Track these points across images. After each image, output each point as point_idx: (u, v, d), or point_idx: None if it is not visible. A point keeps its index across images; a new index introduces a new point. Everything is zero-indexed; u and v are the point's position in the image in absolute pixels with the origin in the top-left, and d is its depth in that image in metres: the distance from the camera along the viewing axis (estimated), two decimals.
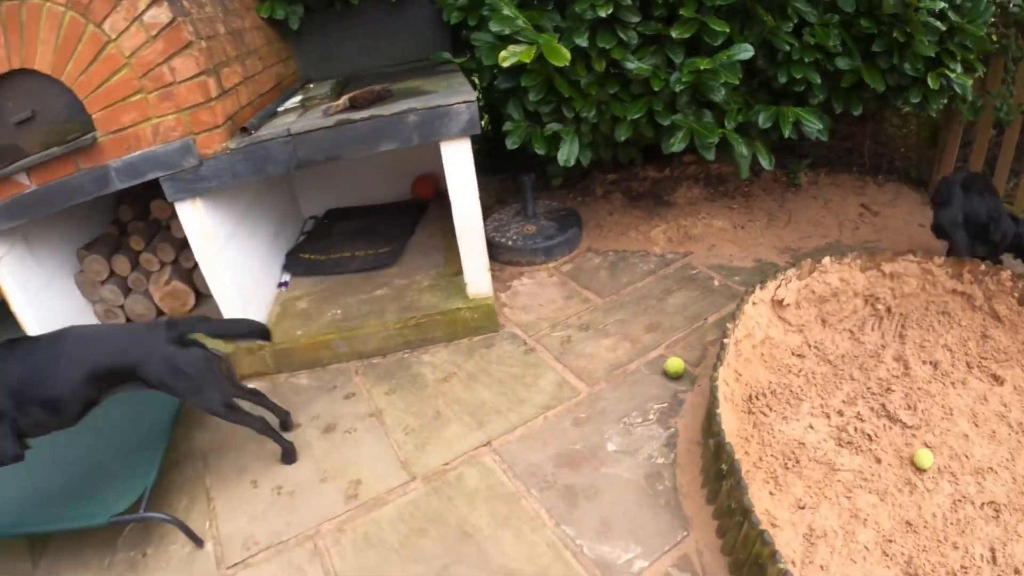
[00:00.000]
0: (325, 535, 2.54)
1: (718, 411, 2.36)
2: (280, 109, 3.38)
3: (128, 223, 4.12)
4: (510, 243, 3.81)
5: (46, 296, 3.76)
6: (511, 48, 3.03)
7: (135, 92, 2.83)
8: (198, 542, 2.65)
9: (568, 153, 3.42)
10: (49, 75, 2.86)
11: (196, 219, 3.07)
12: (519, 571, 2.23)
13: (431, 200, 4.38)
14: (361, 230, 4.01)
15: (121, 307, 3.99)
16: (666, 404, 2.78)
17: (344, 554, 2.44)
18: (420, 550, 2.38)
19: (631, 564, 2.18)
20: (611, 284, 3.62)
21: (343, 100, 3.03)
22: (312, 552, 2.48)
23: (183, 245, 3.83)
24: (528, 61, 2.99)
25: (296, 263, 3.86)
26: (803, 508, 2.22)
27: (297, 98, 3.55)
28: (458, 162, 2.95)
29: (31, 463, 2.89)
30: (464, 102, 2.83)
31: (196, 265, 3.82)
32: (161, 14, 2.68)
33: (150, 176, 3.00)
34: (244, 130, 3.00)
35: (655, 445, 2.60)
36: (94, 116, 2.91)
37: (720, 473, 2.23)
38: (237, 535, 2.65)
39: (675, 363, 2.90)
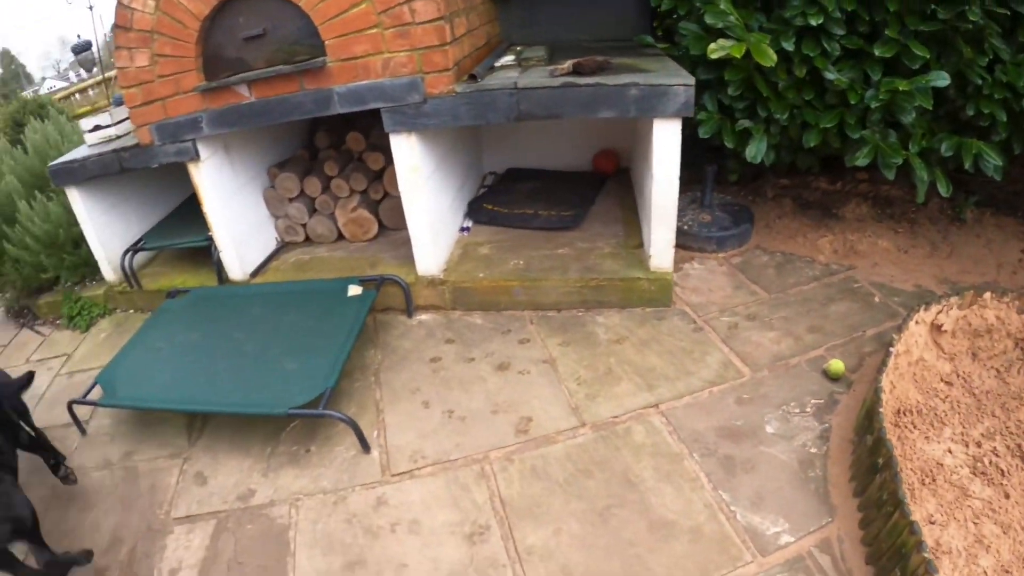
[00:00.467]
0: (493, 461, 2.73)
1: (880, 409, 2.43)
2: (497, 64, 3.53)
3: (321, 150, 4.39)
4: (685, 228, 3.90)
5: (235, 203, 4.13)
6: (721, 42, 3.14)
7: (372, 26, 3.08)
8: (366, 447, 2.89)
9: (756, 150, 3.47)
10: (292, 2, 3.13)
11: (407, 152, 3.34)
12: (676, 523, 2.37)
13: (610, 174, 4.48)
14: (541, 191, 4.18)
15: (303, 225, 4.28)
16: (823, 401, 2.83)
17: (510, 480, 2.62)
18: (584, 488, 2.54)
19: (778, 537, 2.29)
20: (777, 282, 3.66)
21: (568, 64, 3.16)
22: (479, 474, 2.68)
23: (374, 177, 4.09)
24: (738, 56, 3.07)
25: (479, 211, 4.07)
26: (933, 523, 2.27)
27: (509, 57, 3.70)
28: (667, 140, 3.05)
29: (213, 352, 3.47)
30: (683, 84, 2.92)
31: (384, 198, 4.09)
32: None
33: (372, 105, 3.27)
34: (472, 77, 3.17)
35: (810, 436, 2.66)
36: (327, 42, 3.19)
37: (874, 467, 2.31)
38: (405, 447, 2.89)
39: (836, 364, 2.95)
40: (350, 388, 3.26)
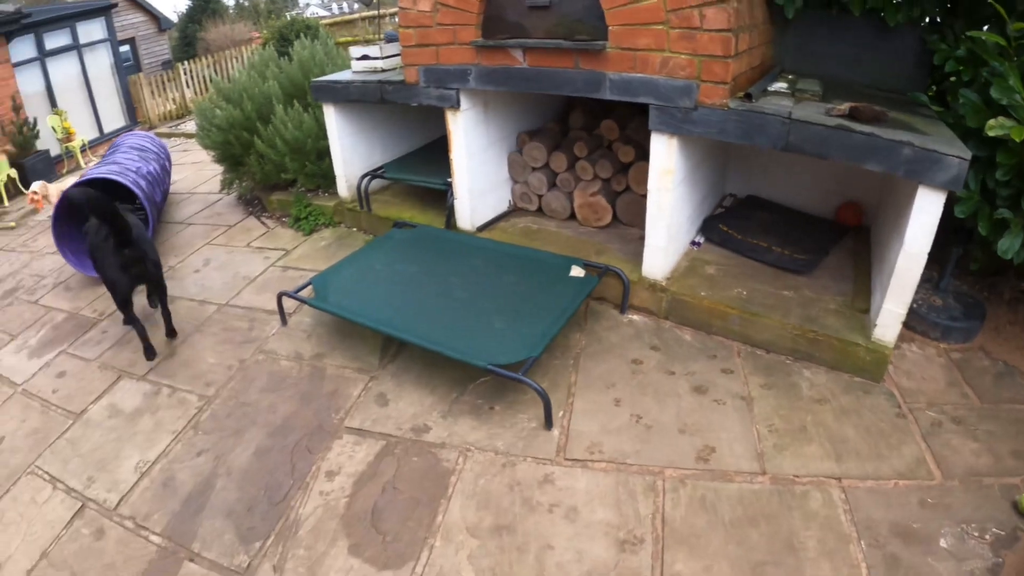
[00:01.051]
0: (667, 478, 2.74)
1: None
2: (770, 89, 3.41)
3: (572, 129, 4.46)
4: (913, 306, 3.60)
5: (480, 158, 4.35)
6: (1001, 120, 2.88)
7: (658, 22, 3.11)
8: (549, 424, 2.99)
9: (1009, 245, 3.14)
10: None
11: (665, 154, 3.35)
12: None
13: (852, 227, 4.23)
14: (778, 226, 4.06)
15: (540, 196, 4.41)
16: (1004, 533, 2.57)
17: (677, 503, 2.62)
18: (746, 536, 2.49)
19: None
20: (992, 392, 3.32)
21: (845, 106, 3.03)
22: (649, 487, 2.70)
23: (620, 169, 4.14)
24: (1016, 140, 2.81)
25: (713, 230, 4.03)
26: None
27: (782, 84, 3.57)
28: (927, 210, 2.84)
29: (426, 288, 3.74)
30: (958, 156, 2.70)
31: (624, 191, 4.12)
32: None
33: (640, 99, 3.32)
34: (747, 96, 3.09)
35: (979, 565, 2.42)
36: (610, 28, 3.27)
37: None
38: (585, 436, 2.95)
39: None
40: (548, 364, 3.39)
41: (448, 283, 3.77)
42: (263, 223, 5.79)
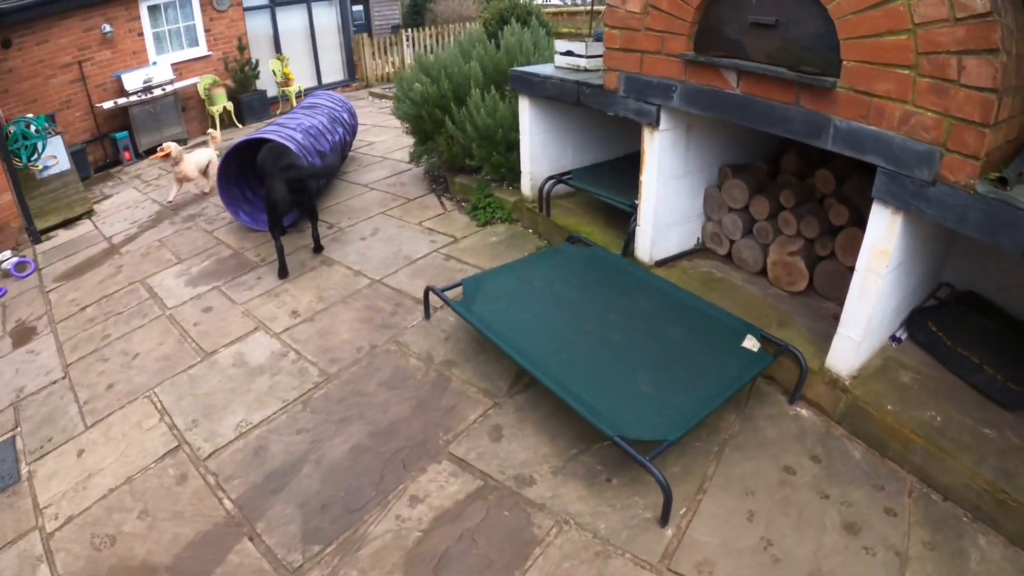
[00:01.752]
0: None
1: None
2: None
3: (783, 172, 4.03)
4: None
5: (672, 187, 3.99)
6: None
7: (905, 65, 2.53)
8: (664, 521, 2.59)
9: None
10: None
11: (885, 231, 2.79)
12: None
13: None
14: (996, 339, 3.26)
15: (731, 241, 4.05)
16: None
17: None
18: None
19: None
20: None
21: None
22: None
23: (827, 231, 3.64)
24: None
25: (919, 328, 3.36)
26: None
27: None
28: None
29: (578, 321, 3.49)
30: None
31: (828, 256, 3.65)
32: (978, 0, 2.27)
33: (868, 158, 2.75)
34: (1000, 180, 2.50)
35: None
36: (844, 63, 2.72)
37: None
38: (700, 548, 2.53)
39: None
40: (688, 443, 2.96)
41: (605, 321, 3.48)
42: (442, 203, 5.84)
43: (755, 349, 3.19)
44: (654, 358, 3.15)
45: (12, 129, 7.69)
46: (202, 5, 10.65)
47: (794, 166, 4.02)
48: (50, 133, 8.12)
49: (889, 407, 2.92)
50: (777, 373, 3.32)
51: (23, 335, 4.89)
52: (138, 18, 10.03)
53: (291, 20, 12.38)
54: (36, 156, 7.84)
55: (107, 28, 9.68)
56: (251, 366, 3.83)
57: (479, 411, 3.24)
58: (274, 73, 11.53)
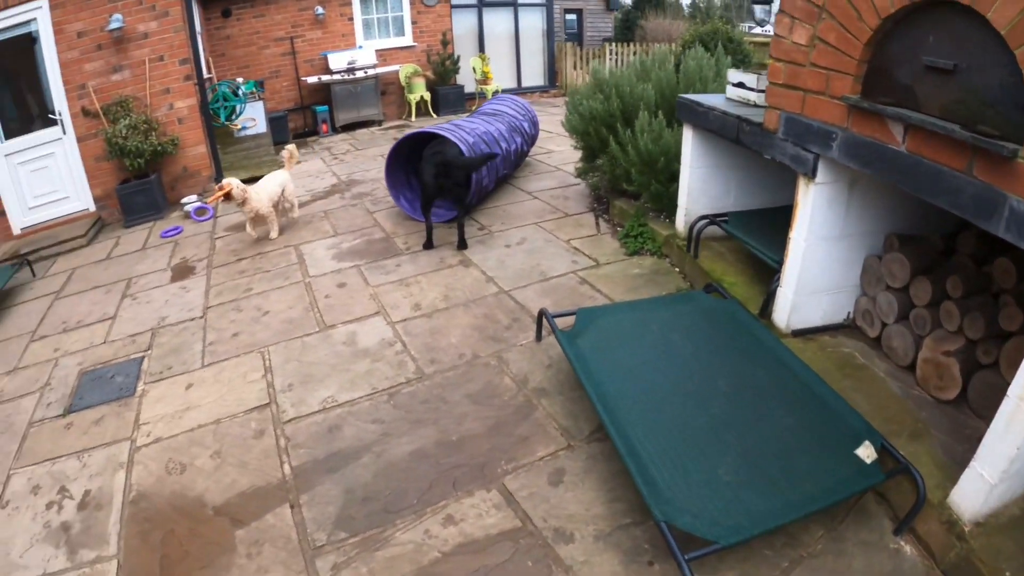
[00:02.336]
0: None
1: None
2: None
3: (957, 253, 3.52)
4: None
5: (824, 250, 3.60)
6: None
7: None
8: None
9: None
10: (1001, 35, 2.18)
11: None
12: None
13: None
14: None
15: (883, 324, 3.57)
16: None
17: None
18: None
19: None
20: None
21: None
22: None
23: (995, 335, 3.08)
24: None
25: None
26: None
27: None
28: None
29: (683, 383, 3.22)
30: None
31: (990, 366, 3.05)
32: None
33: None
34: None
35: None
36: None
37: None
38: None
39: None
40: (755, 548, 2.59)
41: (712, 386, 3.21)
42: (597, 224, 5.79)
43: (868, 460, 2.68)
44: (748, 442, 2.83)
45: (217, 89, 8.57)
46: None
47: (972, 247, 3.51)
48: (256, 98, 8.98)
49: (1008, 574, 2.37)
50: (892, 493, 2.81)
51: (182, 272, 5.60)
52: (350, 4, 11.02)
53: (497, 21, 12.97)
54: (235, 116, 8.66)
55: (320, 10, 10.65)
56: (358, 347, 4.02)
57: (550, 449, 3.12)
58: (474, 70, 12.09)
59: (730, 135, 4.04)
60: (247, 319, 4.56)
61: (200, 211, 7.01)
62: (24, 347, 4.66)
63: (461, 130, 5.89)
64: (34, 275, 6.19)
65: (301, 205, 6.94)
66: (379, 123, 11.27)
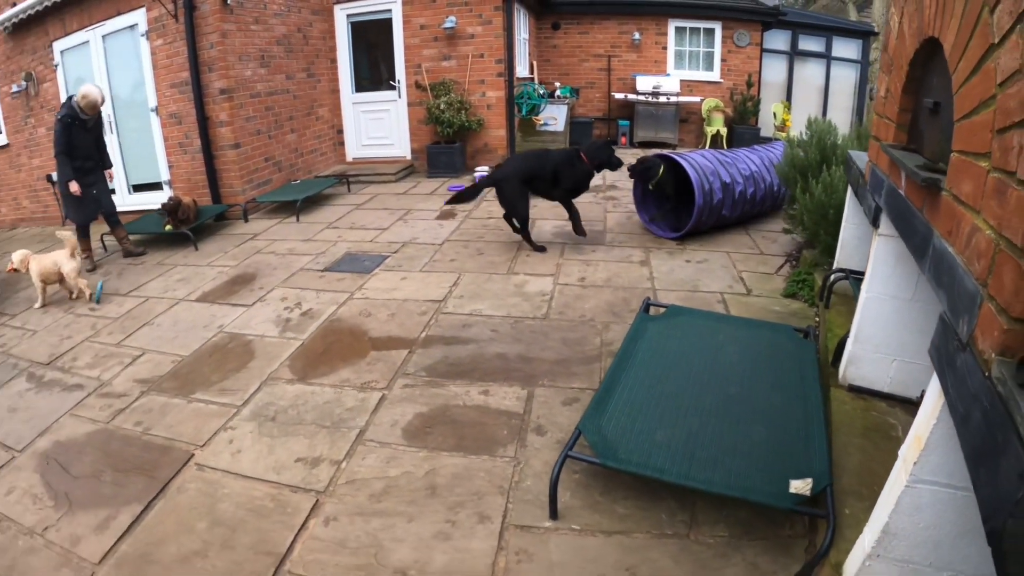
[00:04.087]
0: None
1: None
2: None
3: None
4: None
5: (889, 308, 3.46)
6: None
7: (982, 153, 1.66)
8: None
9: None
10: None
11: (927, 407, 2.06)
12: None
13: None
14: None
15: None
16: None
17: None
18: None
19: None
20: None
21: None
22: None
23: None
24: None
25: None
26: None
27: None
28: None
29: (712, 411, 3.28)
30: None
31: None
32: None
33: (939, 295, 1.98)
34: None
35: None
36: (952, 155, 1.94)
37: None
38: None
39: None
40: (648, 502, 2.98)
41: (723, 388, 3.49)
42: (781, 267, 6.04)
43: (794, 491, 2.64)
44: (705, 432, 3.08)
45: (523, 88, 10.58)
46: (723, 38, 12.45)
47: None
48: (562, 102, 10.85)
49: None
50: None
51: (446, 215, 7.83)
52: (665, 35, 12.41)
53: (807, 71, 13.35)
54: (535, 112, 10.55)
55: (637, 36, 12.22)
56: (521, 289, 5.47)
57: (583, 385, 3.94)
58: (774, 115, 12.75)
59: (854, 187, 4.14)
60: (466, 254, 6.36)
61: None
62: (319, 230, 7.35)
63: (704, 157, 6.60)
64: (349, 191, 9.26)
65: None
66: (673, 147, 12.36)
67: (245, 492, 3.29)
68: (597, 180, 9.27)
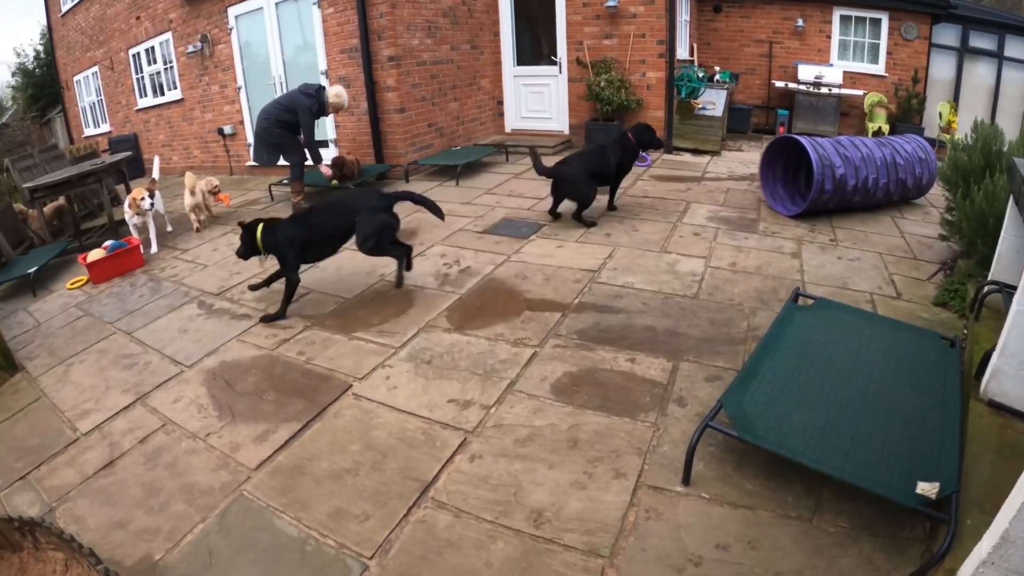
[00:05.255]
0: None
1: None
2: None
3: None
4: None
5: None
6: None
7: None
8: None
9: None
10: None
11: None
12: None
13: None
14: None
15: None
16: None
17: None
18: None
19: None
20: None
21: None
22: None
23: None
24: None
25: None
26: None
27: None
28: None
29: (853, 399, 3.34)
30: None
31: None
32: None
33: None
34: None
35: None
36: None
37: None
38: None
39: None
40: (775, 482, 3.06)
41: (862, 385, 3.49)
42: (935, 273, 5.84)
43: (920, 492, 2.67)
44: (842, 422, 3.15)
45: (683, 71, 10.62)
46: (890, 29, 11.96)
47: None
48: (722, 87, 10.84)
49: None
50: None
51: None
52: (830, 23, 12.05)
53: (977, 71, 12.58)
54: (695, 96, 10.57)
55: (800, 23, 11.92)
56: (673, 268, 5.63)
57: (726, 365, 4.04)
58: (940, 116, 12.11)
59: (1015, 198, 3.99)
60: (620, 229, 6.65)
61: (641, 158, 9.19)
62: (478, 195, 7.93)
63: (828, 142, 6.83)
64: (507, 160, 9.82)
65: (713, 178, 8.84)
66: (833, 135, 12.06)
67: (398, 423, 3.69)
68: (752, 169, 9.30)
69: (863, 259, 6.01)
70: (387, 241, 5.28)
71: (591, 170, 6.80)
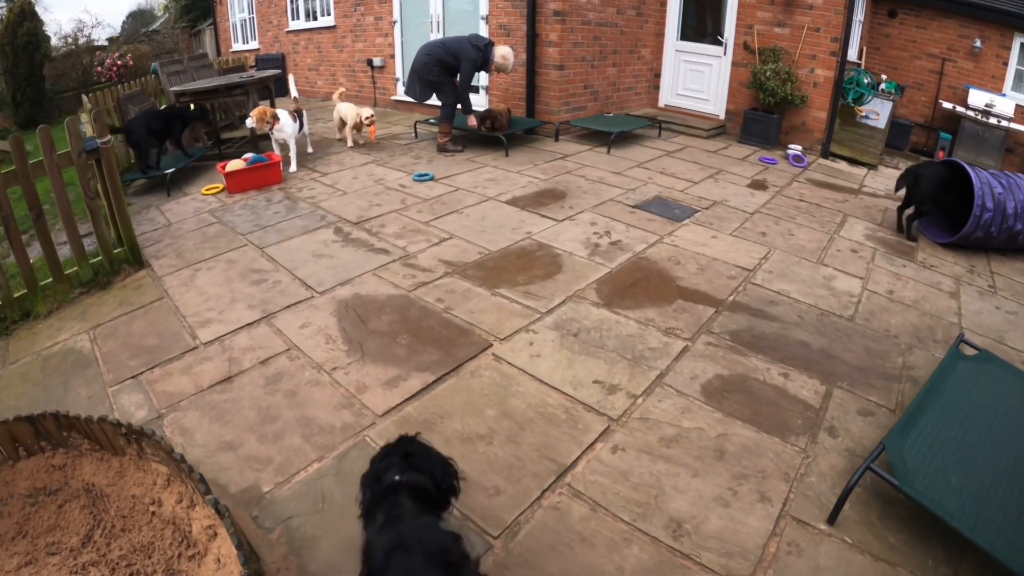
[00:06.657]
0: None
1: None
2: None
3: None
4: None
5: None
6: None
7: None
8: None
9: None
10: None
11: None
12: None
13: None
14: None
15: None
16: None
17: None
18: None
19: None
20: None
21: None
22: None
23: None
24: None
25: None
26: None
27: None
28: None
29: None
30: None
31: None
32: None
33: None
34: None
35: None
36: None
37: None
38: None
39: None
40: (919, 540, 2.87)
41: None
42: None
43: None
44: (999, 491, 2.97)
45: (854, 74, 10.03)
46: None
47: None
48: (888, 98, 10.19)
49: None
50: None
51: (756, 185, 7.82)
52: (1008, 49, 11.06)
53: None
54: (860, 102, 10.01)
55: (977, 44, 11.02)
56: (828, 283, 5.29)
57: (880, 401, 3.80)
58: None
59: None
60: (776, 230, 6.26)
61: (797, 158, 8.89)
62: (629, 167, 7.79)
63: (1000, 179, 6.27)
64: (659, 136, 9.58)
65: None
66: (991, 168, 11.24)
67: (539, 396, 3.54)
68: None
69: (1020, 314, 5.58)
70: None
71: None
